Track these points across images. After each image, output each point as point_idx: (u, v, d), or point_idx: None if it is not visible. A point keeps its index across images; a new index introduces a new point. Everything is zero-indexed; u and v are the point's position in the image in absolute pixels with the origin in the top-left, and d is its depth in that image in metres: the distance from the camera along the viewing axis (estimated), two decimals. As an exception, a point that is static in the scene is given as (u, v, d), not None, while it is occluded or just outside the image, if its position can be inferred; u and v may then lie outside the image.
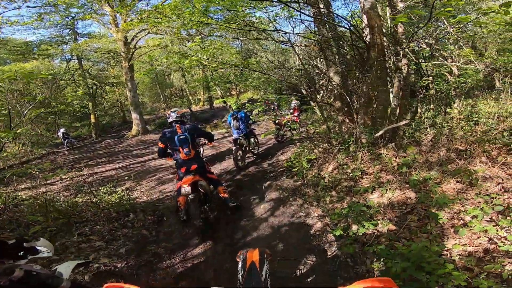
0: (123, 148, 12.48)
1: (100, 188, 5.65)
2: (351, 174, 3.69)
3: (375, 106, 3.89)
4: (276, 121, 7.69)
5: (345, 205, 3.23)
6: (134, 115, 15.08)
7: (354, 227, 2.75)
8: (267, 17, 5.15)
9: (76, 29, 17.44)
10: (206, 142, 4.15)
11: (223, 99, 6.99)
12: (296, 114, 8.32)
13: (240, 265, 1.26)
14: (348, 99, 4.01)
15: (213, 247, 3.19)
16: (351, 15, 4.53)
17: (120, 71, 17.70)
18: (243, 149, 5.83)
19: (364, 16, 4.01)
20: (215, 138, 4.64)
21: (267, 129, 10.02)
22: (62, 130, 14.33)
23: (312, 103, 7.95)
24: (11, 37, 15.47)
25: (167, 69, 20.31)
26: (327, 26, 4.33)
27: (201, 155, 4.06)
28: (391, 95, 4.86)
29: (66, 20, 15.51)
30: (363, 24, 4.11)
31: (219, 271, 2.73)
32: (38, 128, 15.45)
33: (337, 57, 4.30)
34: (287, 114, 8.13)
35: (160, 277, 2.73)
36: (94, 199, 4.83)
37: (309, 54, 6.68)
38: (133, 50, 14.45)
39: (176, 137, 3.49)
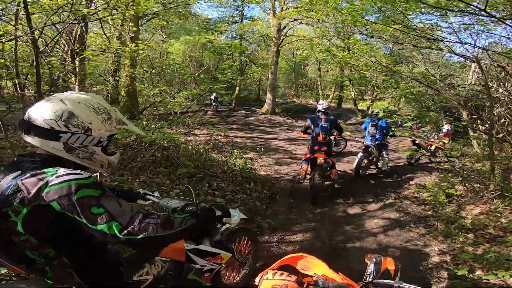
0: (252, 121, 14.16)
1: (234, 150, 6.70)
2: (505, 224, 3.22)
3: None
4: (417, 141, 6.74)
5: (480, 251, 2.91)
6: (268, 95, 16.67)
7: (479, 272, 2.53)
8: (448, 27, 4.41)
9: (243, 12, 20.44)
10: (335, 134, 4.78)
11: (364, 103, 6.68)
12: (445, 141, 6.98)
13: (372, 268, 1.38)
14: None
15: (311, 240, 3.31)
16: None
17: (267, 54, 19.68)
18: (370, 158, 5.52)
19: None
20: None
21: (395, 146, 9.05)
22: (214, 94, 17.05)
23: (471, 133, 6.43)
24: (201, 13, 19.84)
25: (306, 60, 21.04)
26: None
27: (332, 142, 5.00)
28: None
29: (240, 1, 18.39)
30: None
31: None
32: (201, 89, 19.43)
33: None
34: (438, 137, 6.92)
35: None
36: (227, 159, 5.61)
37: (490, 74, 5.33)
38: (283, 37, 15.59)
39: (320, 124, 4.42)
